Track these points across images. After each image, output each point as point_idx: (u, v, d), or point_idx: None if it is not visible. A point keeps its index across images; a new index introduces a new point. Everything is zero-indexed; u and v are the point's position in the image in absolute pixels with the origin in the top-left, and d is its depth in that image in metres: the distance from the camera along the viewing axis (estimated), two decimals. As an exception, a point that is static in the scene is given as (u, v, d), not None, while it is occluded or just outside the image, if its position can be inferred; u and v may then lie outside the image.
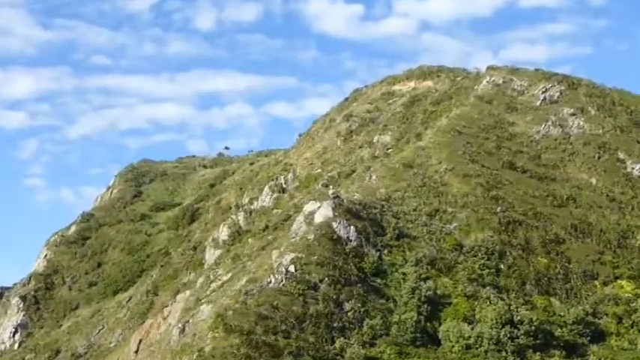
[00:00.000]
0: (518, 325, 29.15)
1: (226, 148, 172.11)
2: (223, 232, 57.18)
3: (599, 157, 48.73)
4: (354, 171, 55.51)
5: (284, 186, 67.75)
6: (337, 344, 26.63)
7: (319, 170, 67.79)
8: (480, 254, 35.12)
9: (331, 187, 41.76)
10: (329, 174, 59.32)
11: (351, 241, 32.93)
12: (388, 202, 41.09)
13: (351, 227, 33.52)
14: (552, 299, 33.43)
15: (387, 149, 60.38)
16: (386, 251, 33.57)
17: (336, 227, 33.15)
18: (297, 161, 77.15)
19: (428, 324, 29.43)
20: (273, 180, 69.34)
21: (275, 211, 56.48)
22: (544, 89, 57.83)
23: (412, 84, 76.59)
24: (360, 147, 64.03)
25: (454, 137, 52.05)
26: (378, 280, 31.63)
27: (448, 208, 40.05)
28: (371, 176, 47.32)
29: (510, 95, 59.33)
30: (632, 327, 31.98)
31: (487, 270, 33.91)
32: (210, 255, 55.40)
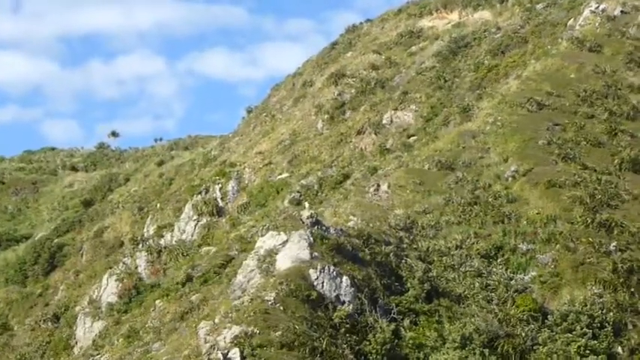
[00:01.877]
0: None
1: (113, 134, 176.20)
2: (109, 290, 57.82)
3: None
4: (347, 176, 58.66)
5: (219, 204, 70.19)
6: None
7: (285, 175, 69.77)
8: (578, 328, 34.97)
9: (307, 205, 41.62)
10: (303, 181, 61.42)
11: (343, 303, 33.15)
12: (410, 232, 42.57)
13: (344, 278, 33.99)
14: None
15: (409, 136, 62.45)
16: (407, 322, 34.06)
17: (316, 279, 33.50)
18: (245, 158, 79.04)
19: None
20: (200, 193, 72.64)
21: (204, 249, 57.80)
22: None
23: (454, 16, 77.82)
24: (360, 132, 66.96)
25: (531, 114, 53.15)
26: (395, 377, 32.87)
27: (520, 243, 40.77)
28: (379, 186, 48.79)
29: (636, 38, 59.67)
30: None
31: (593, 358, 33.80)
32: (85, 331, 55.46)
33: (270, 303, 31.42)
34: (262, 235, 38.39)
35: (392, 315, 33.74)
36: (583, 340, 33.86)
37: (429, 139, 58.68)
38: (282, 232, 36.25)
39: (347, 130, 70.58)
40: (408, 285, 36.53)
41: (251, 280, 34.75)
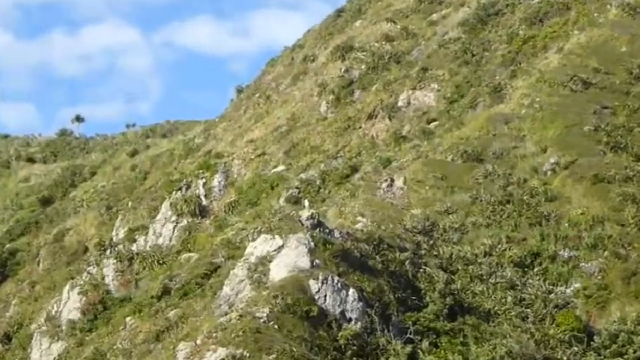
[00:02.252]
0: None
1: (77, 119, 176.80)
2: (70, 305, 58.22)
3: None
4: (355, 169, 59.18)
5: (203, 202, 70.46)
6: None
7: (281, 168, 69.85)
8: (631, 351, 35.09)
9: (307, 203, 41.85)
10: (302, 175, 61.46)
11: (349, 320, 33.47)
12: (430, 236, 42.85)
13: (350, 291, 34.17)
14: None
15: (429, 121, 62.57)
16: (426, 343, 34.10)
17: (318, 291, 33.70)
18: (234, 147, 79.16)
19: None
20: (179, 189, 72.97)
21: (185, 256, 58.00)
22: None
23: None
24: (370, 117, 67.23)
25: (574, 95, 53.67)
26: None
27: (561, 250, 41.00)
28: (393, 181, 49.06)
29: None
30: None
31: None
32: (42, 353, 55.78)
33: (262, 320, 31.51)
34: (253, 240, 38.48)
35: (408, 335, 33.79)
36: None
37: (453, 125, 58.84)
38: (277, 236, 36.27)
39: (355, 114, 70.67)
40: (428, 299, 36.60)
41: (240, 292, 34.77)
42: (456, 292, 37.49)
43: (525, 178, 47.01)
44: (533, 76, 57.28)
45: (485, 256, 40.65)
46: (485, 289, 38.36)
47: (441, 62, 69.23)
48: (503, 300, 37.55)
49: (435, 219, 43.85)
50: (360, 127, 69.17)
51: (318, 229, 37.12)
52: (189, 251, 61.10)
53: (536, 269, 40.09)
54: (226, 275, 38.07)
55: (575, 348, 34.58)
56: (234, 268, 36.67)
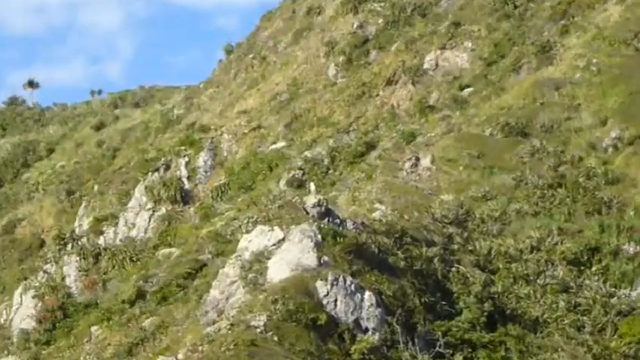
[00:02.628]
0: None
1: (30, 85, 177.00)
2: (24, 311, 58.52)
3: None
4: (372, 146, 59.01)
5: (185, 186, 70.44)
6: None
7: (281, 144, 69.70)
8: None
9: (313, 188, 41.73)
10: (307, 153, 61.39)
11: (365, 330, 33.61)
12: (464, 227, 43.05)
13: (367, 295, 34.24)
14: None
15: (462, 88, 62.48)
16: (460, 358, 34.22)
17: (326, 295, 33.75)
18: (223, 119, 79.08)
19: None
20: (157, 170, 73.01)
21: (163, 251, 58.32)
22: None
23: None
24: (390, 82, 66.80)
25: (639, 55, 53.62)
26: None
27: (625, 244, 40.93)
28: (418, 160, 49.00)
29: None
30: None
31: None
32: None
33: (259, 330, 31.54)
34: (247, 232, 38.52)
35: (437, 348, 33.73)
36: None
37: (492, 92, 58.83)
38: (276, 227, 36.32)
39: (371, 79, 70.51)
40: (461, 304, 36.66)
41: (231, 296, 34.91)
42: (495, 295, 37.47)
43: (581, 157, 47.14)
44: (589, 33, 57.21)
45: (531, 252, 40.57)
46: (531, 291, 38.36)
47: (477, 15, 69.02)
48: (554, 305, 37.54)
49: (470, 206, 43.88)
50: (378, 95, 69.04)
51: (326, 219, 37.17)
52: (169, 246, 61.07)
53: (594, 268, 40.00)
54: (214, 275, 38.07)
55: (643, 364, 34.88)
56: (223, 267, 36.77)
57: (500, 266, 39.74)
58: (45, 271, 62.16)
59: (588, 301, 37.39)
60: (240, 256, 36.16)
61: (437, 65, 67.20)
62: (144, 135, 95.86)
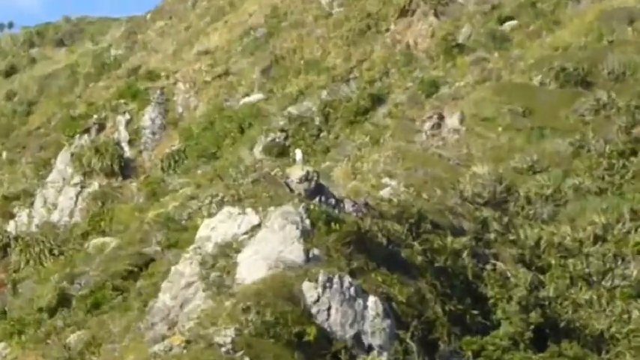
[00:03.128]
0: None
1: None
2: None
3: None
4: (380, 99, 59.71)
5: (126, 153, 70.45)
6: None
7: (257, 96, 69.49)
8: None
9: (300, 155, 41.95)
10: (291, 109, 61.35)
11: (369, 349, 33.71)
12: (504, 209, 43.42)
13: (371, 300, 34.55)
14: None
15: (502, 20, 62.24)
16: None
17: (317, 301, 33.94)
18: (178, 62, 78.89)
19: None
20: (87, 132, 73.11)
21: (95, 241, 58.64)
22: None
23: None
24: (404, 14, 68.38)
25: None
26: None
27: None
28: (442, 118, 49.35)
29: None
30: None
31: None
32: None
33: (224, 350, 31.52)
34: (210, 216, 38.68)
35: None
36: None
37: (543, 27, 59.04)
38: (249, 210, 36.52)
39: (379, 9, 70.62)
40: (500, 314, 36.87)
41: (188, 303, 35.07)
42: (546, 302, 37.70)
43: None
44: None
45: (595, 243, 40.69)
46: (594, 297, 38.55)
47: None
48: (626, 316, 37.76)
49: (513, 181, 44.06)
50: (387, 30, 68.99)
51: (317, 199, 37.27)
52: (103, 234, 61.02)
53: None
54: (164, 275, 38.17)
55: None
56: (177, 263, 36.84)
57: (553, 262, 39.77)
58: None
59: (671, 311, 37.66)
60: (199, 248, 36.15)
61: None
62: (70, 84, 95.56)
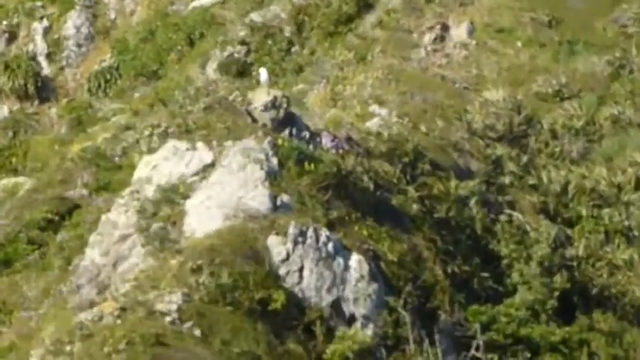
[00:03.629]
0: None
1: None
2: None
3: None
4: (367, 3, 59.47)
5: (44, 70, 71.00)
6: None
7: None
8: None
9: (265, 75, 42.04)
10: (253, 15, 63.88)
11: (350, 319, 34.28)
12: (523, 145, 43.65)
13: (354, 259, 35.02)
14: None
15: None
16: None
17: (285, 259, 34.30)
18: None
19: None
20: None
21: (5, 182, 60.35)
22: None
23: None
24: None
25: None
26: None
27: None
28: (445, 29, 51.00)
29: None
30: None
31: None
32: None
33: (169, 320, 31.68)
34: (151, 151, 39.00)
35: (472, 352, 34.27)
36: None
37: None
38: (200, 144, 36.89)
39: None
40: (516, 277, 37.28)
41: (122, 261, 35.43)
42: (574, 263, 38.20)
43: None
44: None
45: (637, 189, 41.20)
46: (636, 257, 39.03)
47: None
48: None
49: (534, 110, 44.40)
50: None
51: (287, 131, 37.71)
52: (15, 173, 61.08)
53: None
54: (93, 225, 38.41)
55: None
56: (108, 211, 37.08)
57: (584, 213, 40.04)
58: None
59: None
60: (137, 192, 36.46)
61: None
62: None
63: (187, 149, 36.48)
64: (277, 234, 33.75)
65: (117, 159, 48.78)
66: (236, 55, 59.33)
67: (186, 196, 35.25)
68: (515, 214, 39.08)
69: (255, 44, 60.02)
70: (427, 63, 47.84)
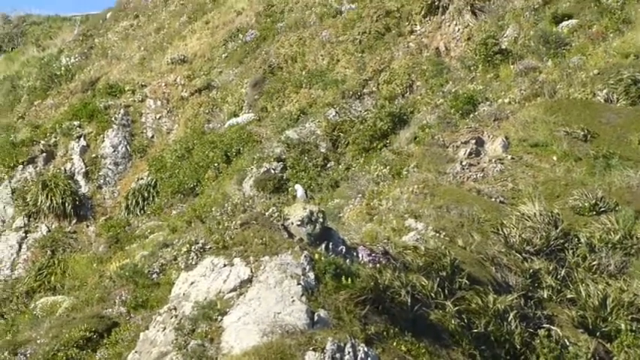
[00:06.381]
0: None
1: None
2: None
3: None
4: (402, 119, 60.64)
5: (82, 189, 70.73)
6: None
7: (247, 115, 69.88)
8: None
9: (300, 191, 42.29)
10: (289, 132, 63.04)
11: None
12: (561, 259, 43.56)
13: None
14: None
15: (559, 19, 64.26)
16: None
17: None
18: (146, 74, 79.23)
19: None
20: (32, 162, 74.10)
21: (44, 300, 59.60)
22: None
23: None
24: (432, 12, 69.95)
25: None
26: None
27: None
28: (481, 144, 50.91)
29: None
30: None
31: None
32: None
33: None
34: (189, 268, 38.77)
35: None
36: None
37: (610, 27, 59.17)
38: (238, 260, 36.74)
39: (401, 6, 71.11)
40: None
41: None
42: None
43: None
44: None
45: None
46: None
47: None
48: None
49: (571, 224, 44.17)
50: (412, 33, 69.19)
51: (323, 246, 37.57)
52: (53, 292, 60.92)
53: None
54: (131, 343, 38.61)
55: None
56: (147, 329, 36.97)
57: (623, 327, 39.57)
58: None
59: None
60: (175, 309, 36.28)
61: (515, -19, 67.45)
62: (9, 101, 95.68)
63: (225, 265, 36.28)
64: (315, 350, 33.35)
65: (155, 276, 48.73)
66: (272, 171, 59.48)
67: (223, 313, 34.90)
68: (554, 328, 38.79)
69: (291, 160, 60.16)
70: (462, 177, 47.75)
